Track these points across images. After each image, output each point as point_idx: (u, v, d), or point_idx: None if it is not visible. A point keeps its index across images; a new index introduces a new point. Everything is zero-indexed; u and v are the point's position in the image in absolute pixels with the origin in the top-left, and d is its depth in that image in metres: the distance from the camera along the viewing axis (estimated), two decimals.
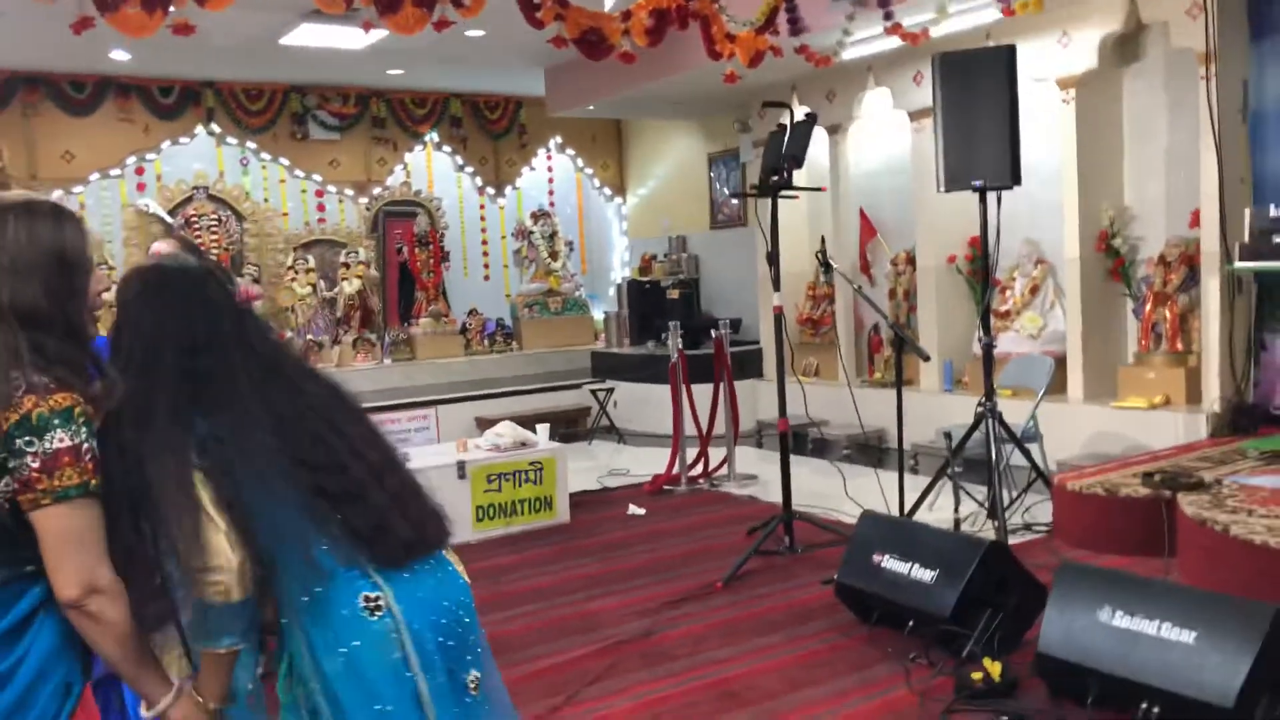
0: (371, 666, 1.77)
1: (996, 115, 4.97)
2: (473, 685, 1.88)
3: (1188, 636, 2.94)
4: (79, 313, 1.72)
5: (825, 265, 4.85)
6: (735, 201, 9.98)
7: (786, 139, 4.73)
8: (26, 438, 1.57)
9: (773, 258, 4.83)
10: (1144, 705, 2.98)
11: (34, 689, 1.63)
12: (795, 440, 7.72)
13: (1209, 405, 5.94)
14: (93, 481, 1.62)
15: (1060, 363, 6.56)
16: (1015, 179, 4.93)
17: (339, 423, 1.89)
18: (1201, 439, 5.79)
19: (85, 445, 1.61)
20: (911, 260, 7.81)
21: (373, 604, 1.78)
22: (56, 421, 1.58)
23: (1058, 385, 6.54)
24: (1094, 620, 3.16)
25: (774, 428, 5.55)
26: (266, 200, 9.44)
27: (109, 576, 1.63)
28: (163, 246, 3.62)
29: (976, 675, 3.36)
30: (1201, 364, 6.07)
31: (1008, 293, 7.13)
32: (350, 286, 9.46)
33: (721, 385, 7.01)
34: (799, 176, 4.89)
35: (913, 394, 7.17)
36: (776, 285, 4.93)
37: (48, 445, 1.57)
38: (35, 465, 1.57)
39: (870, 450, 7.40)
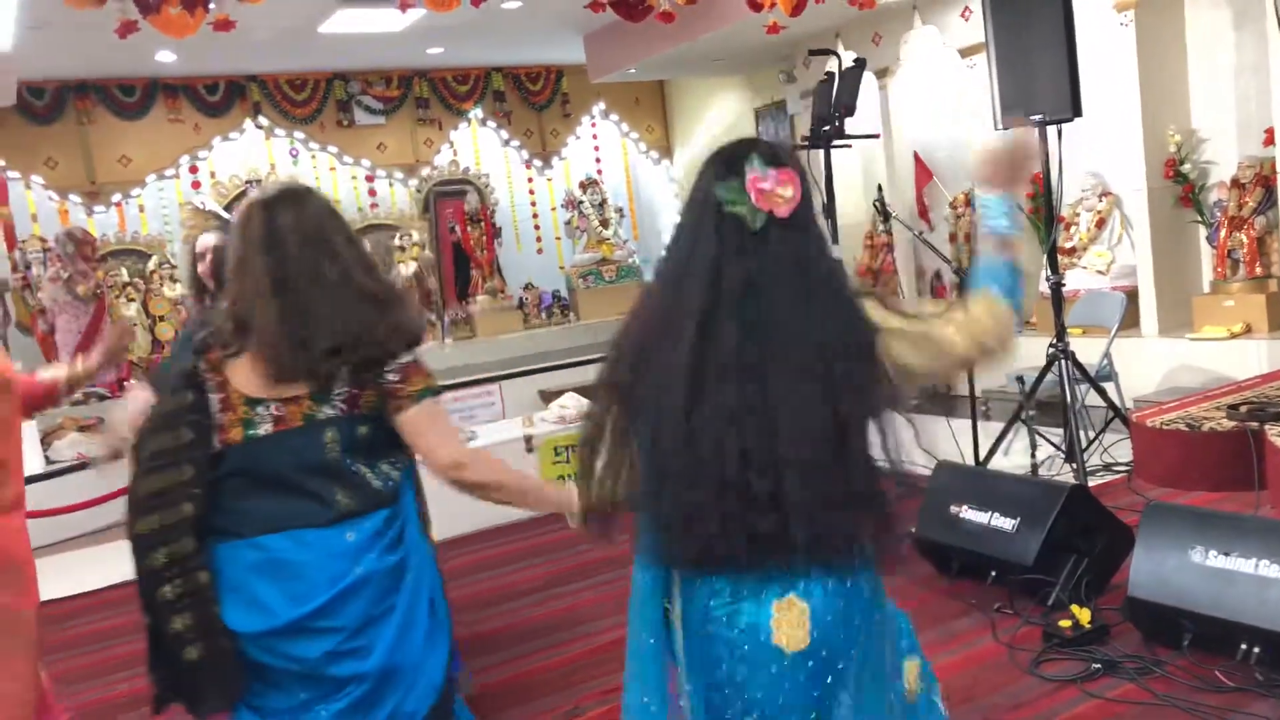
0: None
1: (1052, 44, 4.79)
2: None
3: None
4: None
5: (884, 214, 4.74)
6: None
7: (836, 87, 4.62)
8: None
9: (828, 211, 4.73)
10: (1244, 646, 2.89)
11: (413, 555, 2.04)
12: None
13: None
14: (433, 383, 2.05)
15: (1132, 297, 6.35)
16: (1076, 110, 4.75)
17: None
18: None
19: (418, 363, 2.04)
20: (970, 202, 7.62)
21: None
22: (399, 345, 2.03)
23: (1130, 320, 6.34)
24: (1186, 561, 3.06)
25: None
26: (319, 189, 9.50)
27: (463, 451, 2.05)
28: (211, 238, 3.69)
29: (1065, 623, 3.29)
30: None
31: (1072, 228, 6.91)
32: (407, 269, 9.50)
33: None
34: (851, 125, 4.77)
35: None
36: (834, 239, 4.84)
37: (401, 361, 2.02)
38: (396, 378, 2.01)
39: (940, 399, 7.26)
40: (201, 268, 3.76)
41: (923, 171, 8.03)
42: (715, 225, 1.62)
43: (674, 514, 1.61)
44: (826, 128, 4.64)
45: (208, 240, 3.87)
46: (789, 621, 1.60)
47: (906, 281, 8.07)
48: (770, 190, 1.59)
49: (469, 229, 9.92)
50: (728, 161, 1.65)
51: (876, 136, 5.95)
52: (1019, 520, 3.63)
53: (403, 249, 9.61)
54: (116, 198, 8.71)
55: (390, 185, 9.80)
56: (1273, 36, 5.54)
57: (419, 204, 9.89)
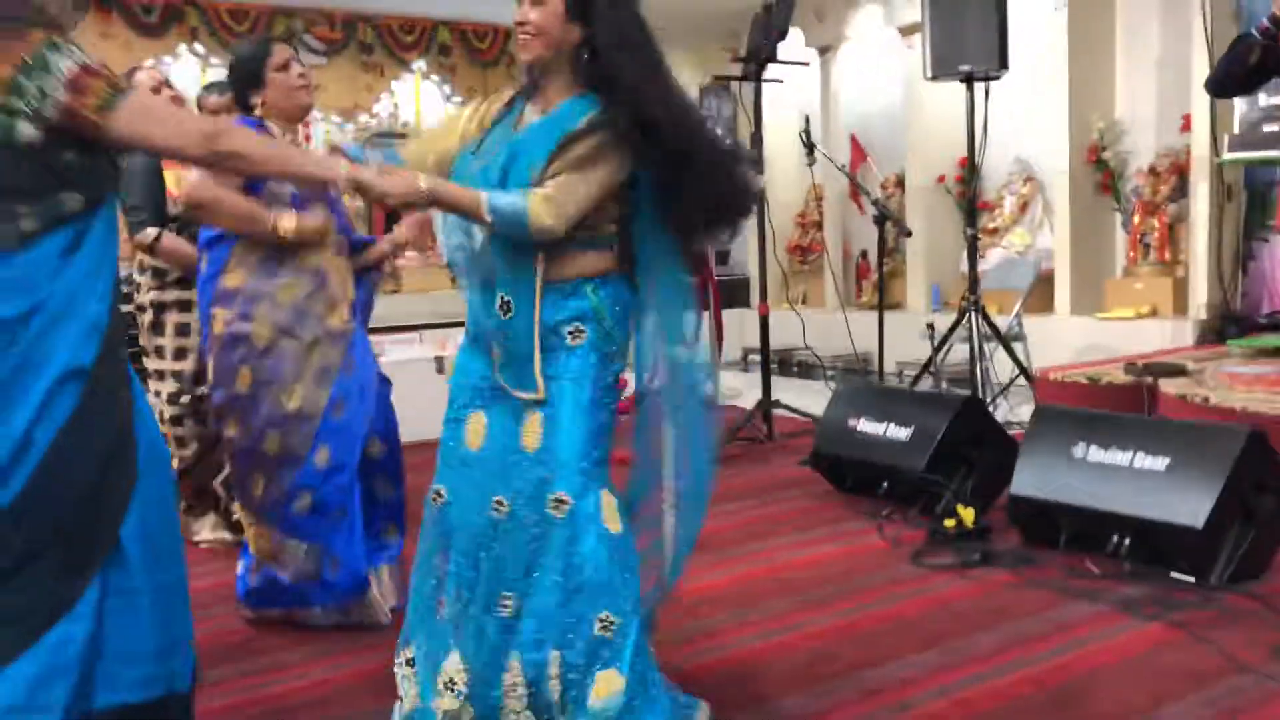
0: None
1: (985, 4, 4.90)
2: None
3: (1160, 464, 2.89)
4: None
5: (809, 146, 4.76)
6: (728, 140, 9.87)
7: (772, 14, 4.67)
8: (38, 78, 1.62)
9: (756, 139, 4.76)
10: (1115, 538, 2.94)
11: (80, 294, 1.68)
12: (781, 365, 7.71)
13: (1195, 314, 5.88)
14: (119, 84, 1.69)
15: (1048, 279, 6.50)
16: (1003, 63, 4.85)
17: None
18: (1187, 344, 5.74)
19: (91, 63, 1.66)
20: (901, 183, 7.73)
21: None
22: (49, 55, 1.63)
23: (1045, 300, 6.49)
24: (1068, 457, 3.11)
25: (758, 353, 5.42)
26: None
27: (208, 121, 1.95)
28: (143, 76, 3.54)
29: (950, 522, 3.31)
30: (1189, 273, 6.01)
31: (996, 211, 7.06)
32: None
33: (707, 312, 6.93)
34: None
35: (899, 315, 7.11)
36: (760, 169, 4.87)
37: (62, 74, 1.63)
38: (65, 96, 1.62)
39: (856, 374, 7.33)
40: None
41: (857, 152, 8.13)
42: None
43: None
44: (761, 55, 4.68)
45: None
46: None
47: (834, 251, 8.15)
48: None
49: None
50: None
51: (805, 64, 6.00)
52: (913, 429, 3.67)
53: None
54: None
55: (326, 129, 9.64)
56: (1196, 30, 5.71)
57: None
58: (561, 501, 1.97)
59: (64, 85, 1.62)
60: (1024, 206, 6.94)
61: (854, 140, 8.16)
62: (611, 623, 1.96)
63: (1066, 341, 6.30)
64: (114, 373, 1.74)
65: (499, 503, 2.03)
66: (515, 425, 2.04)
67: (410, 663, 2.15)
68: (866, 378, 7.13)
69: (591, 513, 1.99)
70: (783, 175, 8.51)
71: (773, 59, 4.62)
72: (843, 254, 8.28)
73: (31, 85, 1.60)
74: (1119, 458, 2.99)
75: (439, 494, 2.12)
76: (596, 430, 2.03)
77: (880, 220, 4.74)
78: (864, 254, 8.15)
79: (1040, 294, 6.40)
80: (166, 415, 3.47)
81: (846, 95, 8.21)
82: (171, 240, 3.36)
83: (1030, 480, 3.18)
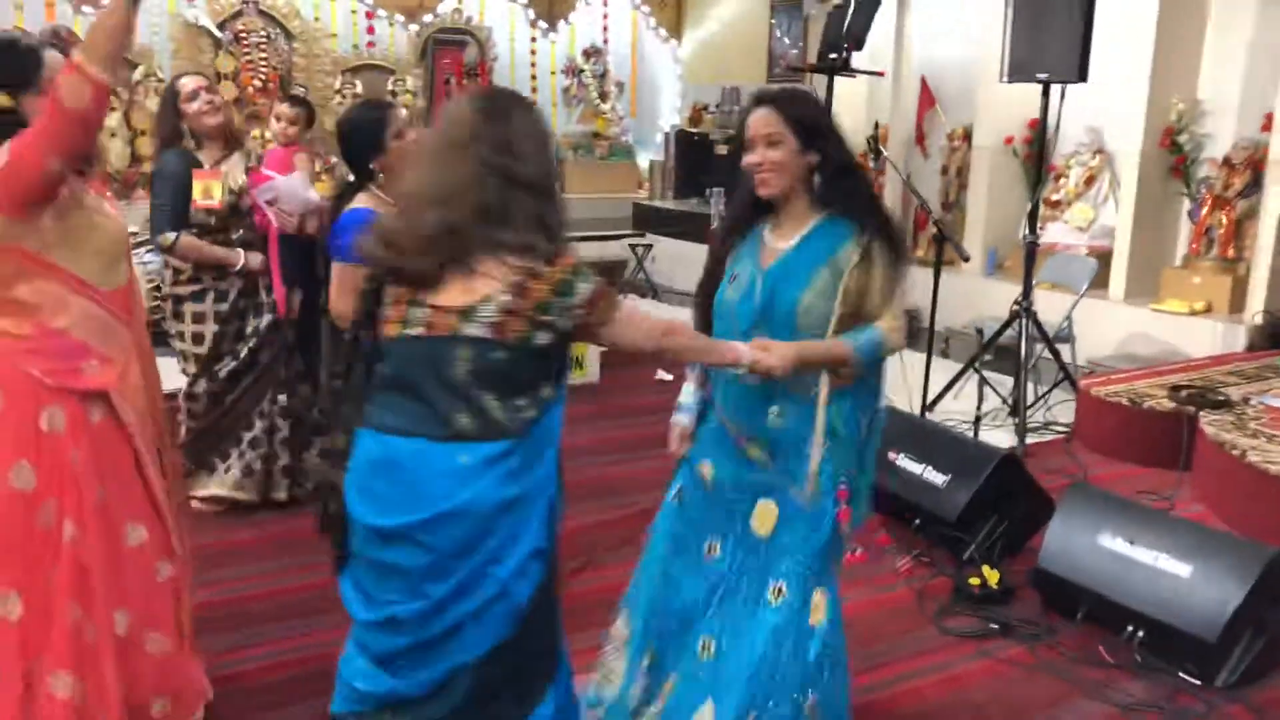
0: None
1: (1071, 3, 4.75)
2: None
3: (1183, 570, 3.03)
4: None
5: (875, 152, 4.74)
6: (794, 52, 9.66)
7: (849, 16, 4.56)
8: (566, 299, 1.90)
9: None
10: (1130, 628, 3.11)
11: (547, 481, 2.01)
12: None
13: (1251, 316, 5.86)
14: (617, 298, 1.99)
15: (1105, 258, 6.46)
16: (1082, 75, 4.74)
17: None
18: (1237, 351, 5.74)
19: (600, 286, 1.94)
20: (968, 137, 7.59)
21: None
22: (574, 280, 1.91)
23: (1099, 280, 6.45)
24: (1095, 543, 3.26)
25: None
26: (316, 19, 9.23)
27: (661, 324, 2.08)
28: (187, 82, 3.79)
29: (974, 580, 3.49)
30: (1250, 273, 5.96)
31: (1062, 181, 6.95)
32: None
33: None
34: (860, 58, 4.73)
35: (952, 275, 7.07)
36: None
37: (582, 296, 1.92)
38: (583, 313, 1.92)
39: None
40: (195, 106, 3.77)
41: (926, 97, 7.96)
42: None
43: None
44: (833, 56, 4.60)
45: (198, 82, 3.83)
46: None
47: (892, 208, 8.08)
48: None
49: (465, 82, 9.73)
50: None
51: (881, 74, 5.87)
52: (950, 477, 3.81)
53: (395, 94, 9.42)
54: None
55: (390, 26, 9.54)
56: None
57: (417, 50, 9.66)
58: (780, 592, 2.19)
59: (584, 306, 1.92)
60: (1090, 180, 6.83)
61: (924, 83, 7.98)
62: (816, 707, 2.21)
63: (1116, 330, 6.32)
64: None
65: (711, 547, 2.30)
66: (745, 498, 2.28)
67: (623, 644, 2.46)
68: (913, 333, 7.17)
69: (801, 609, 2.20)
70: (849, 113, 8.36)
71: (846, 67, 4.54)
72: (901, 200, 8.21)
73: (559, 304, 1.90)
74: (1143, 555, 3.13)
75: (680, 493, 2.40)
76: (830, 540, 2.23)
77: (939, 240, 4.74)
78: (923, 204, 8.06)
79: (1095, 276, 6.38)
80: (184, 390, 3.96)
81: (920, 39, 7.97)
82: (188, 241, 3.73)
83: (1057, 555, 3.34)
